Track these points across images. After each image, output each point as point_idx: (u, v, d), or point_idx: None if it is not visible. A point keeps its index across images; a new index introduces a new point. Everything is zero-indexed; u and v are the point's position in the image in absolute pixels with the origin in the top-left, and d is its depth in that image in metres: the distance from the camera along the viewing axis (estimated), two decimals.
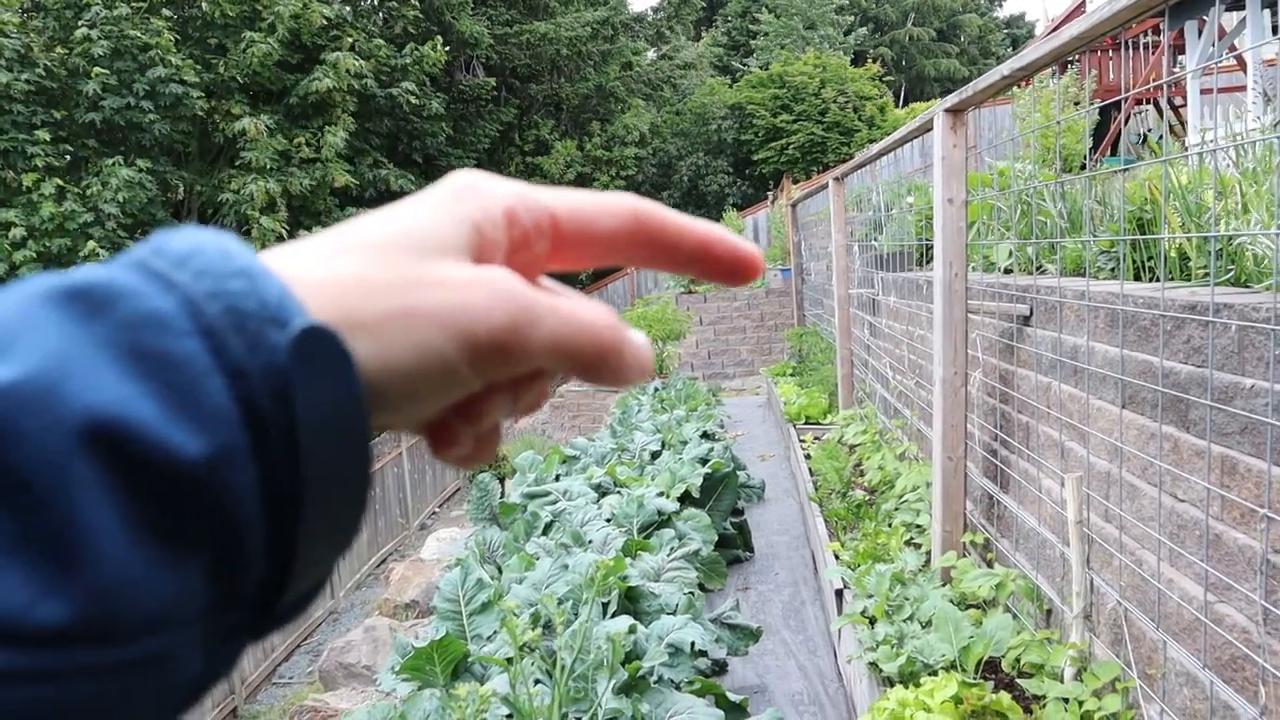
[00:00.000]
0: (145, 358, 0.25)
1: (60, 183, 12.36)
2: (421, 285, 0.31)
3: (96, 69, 12.53)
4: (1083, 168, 5.29)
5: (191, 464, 0.25)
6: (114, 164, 12.71)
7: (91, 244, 12.05)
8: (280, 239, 13.62)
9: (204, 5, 13.75)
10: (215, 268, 0.28)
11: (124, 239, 12.73)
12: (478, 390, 0.33)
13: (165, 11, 13.38)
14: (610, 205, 0.36)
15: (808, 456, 6.39)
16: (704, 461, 5.97)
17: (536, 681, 2.95)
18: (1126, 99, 4.94)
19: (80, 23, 12.65)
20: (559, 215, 0.36)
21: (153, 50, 12.96)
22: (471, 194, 0.34)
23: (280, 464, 0.27)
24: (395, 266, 0.31)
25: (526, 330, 0.31)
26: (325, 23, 15.07)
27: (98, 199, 12.47)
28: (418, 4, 17.86)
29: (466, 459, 0.36)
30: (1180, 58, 11.13)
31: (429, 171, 18.94)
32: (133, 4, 12.96)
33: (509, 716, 2.76)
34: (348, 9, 17.06)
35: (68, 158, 12.91)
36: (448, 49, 17.57)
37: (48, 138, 12.52)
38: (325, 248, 0.32)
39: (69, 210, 12.26)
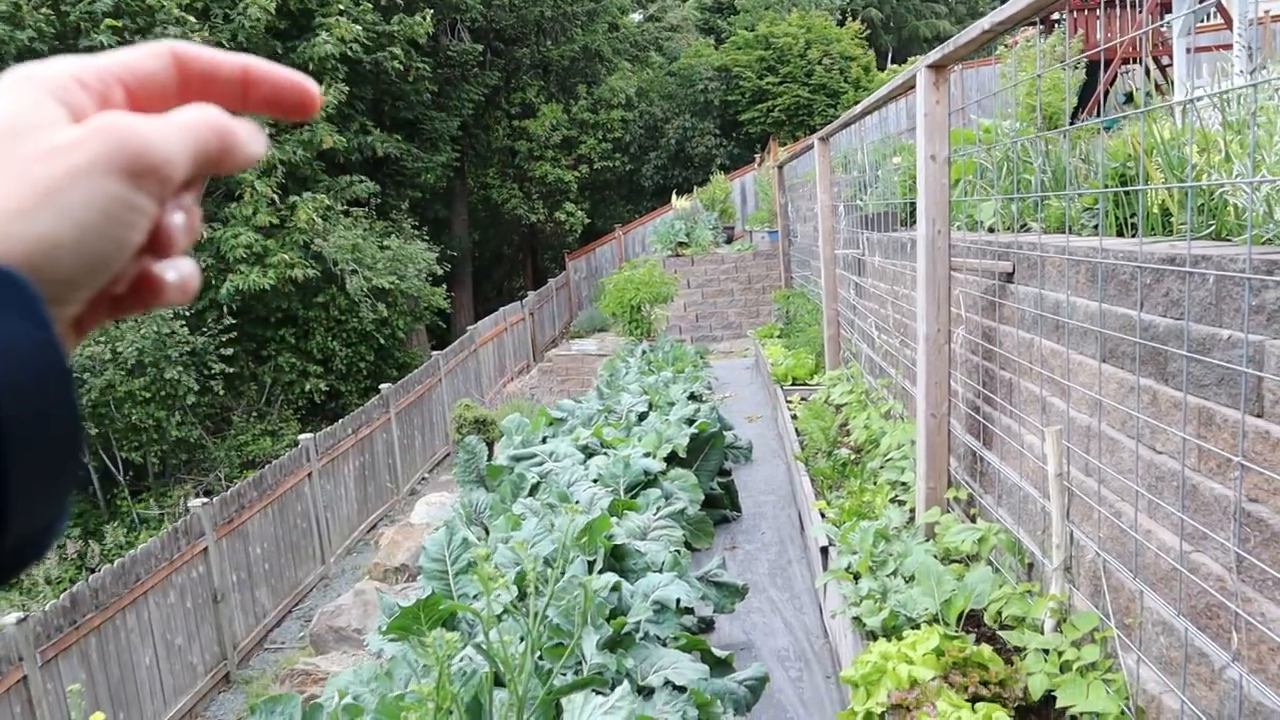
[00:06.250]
0: None
1: None
2: (53, 155, 0.34)
3: (108, 20, 12.17)
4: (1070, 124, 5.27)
5: None
6: None
7: None
8: (271, 203, 13.52)
9: None
10: None
11: None
12: (156, 219, 0.38)
13: None
14: (150, 48, 0.41)
15: (794, 417, 6.41)
16: (690, 422, 5.99)
17: (522, 638, 2.97)
18: (1113, 59, 4.90)
19: None
20: (113, 69, 0.40)
21: (162, 10, 12.69)
22: (36, 77, 0.38)
23: None
24: (22, 157, 0.35)
25: (161, 146, 0.36)
26: None
27: None
28: None
29: (180, 289, 0.40)
30: (1167, 16, 11.07)
31: (414, 135, 18.71)
32: None
33: (495, 674, 2.79)
34: None
35: None
36: (433, 11, 17.28)
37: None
38: None
39: None
